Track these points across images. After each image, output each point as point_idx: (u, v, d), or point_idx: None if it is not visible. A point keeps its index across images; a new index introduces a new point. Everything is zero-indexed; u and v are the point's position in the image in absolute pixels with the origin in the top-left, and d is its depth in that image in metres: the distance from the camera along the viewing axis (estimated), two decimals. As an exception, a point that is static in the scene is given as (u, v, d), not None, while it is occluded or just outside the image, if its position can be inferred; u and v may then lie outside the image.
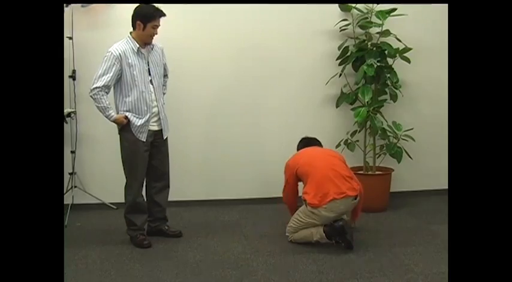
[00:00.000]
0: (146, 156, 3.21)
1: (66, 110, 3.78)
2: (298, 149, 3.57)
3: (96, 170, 4.05)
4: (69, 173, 3.88)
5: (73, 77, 3.78)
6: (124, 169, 3.25)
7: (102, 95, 3.05)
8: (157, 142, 3.26)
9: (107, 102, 3.08)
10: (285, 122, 4.21)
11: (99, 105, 3.07)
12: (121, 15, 3.86)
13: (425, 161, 4.38)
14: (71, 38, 3.73)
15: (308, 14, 4.10)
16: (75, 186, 3.91)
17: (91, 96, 3.07)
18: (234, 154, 4.15)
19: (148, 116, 3.15)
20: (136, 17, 3.08)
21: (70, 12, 3.68)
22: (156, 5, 3.13)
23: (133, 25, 3.10)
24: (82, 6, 3.71)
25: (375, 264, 2.92)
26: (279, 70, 4.15)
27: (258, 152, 4.19)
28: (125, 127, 3.15)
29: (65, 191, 3.80)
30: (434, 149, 4.33)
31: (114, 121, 3.13)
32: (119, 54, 3.05)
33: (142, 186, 3.29)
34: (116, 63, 3.05)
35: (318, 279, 2.75)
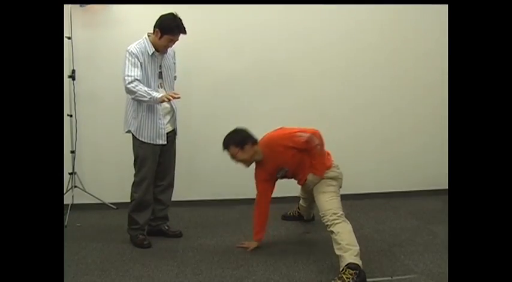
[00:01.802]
0: (158, 156, 3.23)
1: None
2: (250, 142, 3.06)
3: (96, 170, 4.05)
4: (69, 173, 3.87)
5: (72, 76, 3.77)
6: (134, 166, 3.23)
7: (137, 84, 2.98)
8: (168, 141, 3.26)
9: (146, 88, 3.00)
10: (284, 122, 4.20)
11: (139, 92, 2.98)
12: (119, 15, 3.88)
13: (425, 161, 4.38)
14: (70, 38, 3.73)
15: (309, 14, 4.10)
16: (75, 186, 3.91)
17: (128, 88, 2.99)
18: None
19: (161, 118, 3.17)
20: (157, 24, 3.07)
21: (69, 12, 3.68)
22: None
23: (154, 30, 3.09)
24: (81, 6, 3.71)
25: (375, 264, 2.92)
26: (278, 71, 4.15)
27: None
28: (141, 132, 3.15)
29: (65, 191, 3.80)
30: (434, 149, 4.33)
31: (161, 100, 2.99)
32: (136, 52, 3.04)
33: (152, 184, 3.26)
34: (136, 59, 3.03)
35: (318, 279, 2.75)
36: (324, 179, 3.01)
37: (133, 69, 3.01)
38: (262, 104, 4.16)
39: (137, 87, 2.98)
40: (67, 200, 3.76)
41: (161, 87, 3.19)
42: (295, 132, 2.95)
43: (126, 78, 3.00)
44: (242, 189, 4.18)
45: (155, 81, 3.14)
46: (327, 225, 2.80)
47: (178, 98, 3.02)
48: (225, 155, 4.16)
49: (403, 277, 2.77)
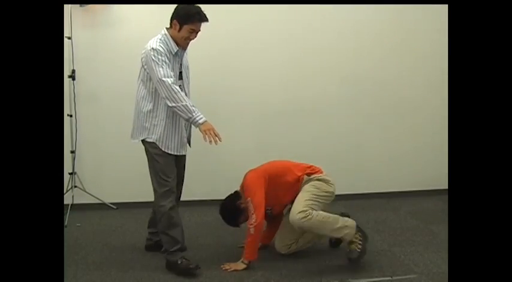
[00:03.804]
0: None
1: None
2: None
3: (96, 170, 4.05)
4: (69, 173, 3.87)
5: (72, 77, 3.77)
6: (154, 177, 2.82)
7: (180, 91, 2.61)
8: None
9: (189, 103, 2.63)
10: (286, 122, 4.21)
11: (181, 104, 2.60)
12: (120, 15, 3.88)
13: (425, 161, 4.38)
14: (70, 38, 3.73)
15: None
16: (75, 186, 3.91)
17: (170, 92, 2.59)
18: (234, 154, 4.14)
19: (182, 126, 2.82)
20: (173, 15, 2.73)
21: (69, 12, 3.68)
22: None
23: (171, 23, 2.75)
24: (81, 6, 3.71)
25: (375, 264, 2.92)
26: (277, 71, 4.15)
27: (258, 152, 4.18)
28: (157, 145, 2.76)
29: (65, 191, 3.80)
30: (434, 149, 4.33)
31: (203, 129, 2.62)
32: (164, 51, 2.66)
33: (175, 191, 2.87)
34: (166, 57, 2.65)
35: (318, 279, 2.75)
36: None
37: (167, 69, 2.62)
38: (262, 105, 4.16)
39: (180, 96, 2.60)
40: (67, 200, 3.76)
41: (181, 91, 2.77)
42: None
43: (164, 79, 2.59)
44: (242, 189, 4.19)
45: (176, 83, 2.74)
46: (298, 227, 2.77)
47: (220, 140, 2.63)
48: (225, 155, 4.16)
49: (403, 277, 2.76)
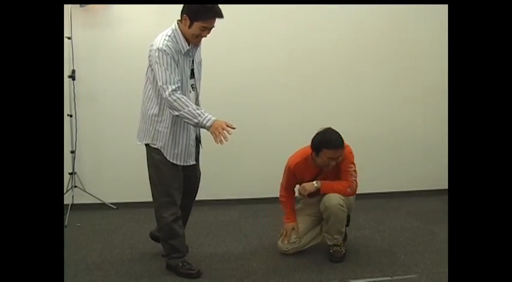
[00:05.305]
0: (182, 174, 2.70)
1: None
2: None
3: (96, 170, 4.05)
4: (69, 173, 3.88)
5: (72, 77, 3.78)
6: (154, 184, 2.67)
7: (180, 98, 2.41)
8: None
9: (193, 107, 2.43)
10: (287, 122, 4.21)
11: (183, 111, 2.41)
12: (120, 15, 3.88)
13: (425, 161, 4.38)
14: (70, 38, 3.73)
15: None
16: (75, 186, 3.91)
17: (169, 102, 2.42)
18: (234, 154, 4.15)
19: (191, 132, 2.66)
20: (184, 9, 2.47)
21: (69, 12, 3.68)
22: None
23: (181, 17, 2.49)
24: (81, 6, 3.72)
25: (375, 264, 2.92)
26: (277, 71, 4.15)
27: (258, 151, 4.19)
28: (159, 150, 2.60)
29: (65, 191, 3.81)
30: (434, 149, 4.33)
31: (213, 130, 2.41)
32: (171, 51, 2.44)
33: (180, 201, 2.72)
34: (172, 60, 2.44)
35: (318, 279, 2.75)
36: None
37: (170, 75, 2.42)
38: (264, 105, 4.16)
39: (180, 103, 2.40)
40: (67, 200, 3.76)
41: (193, 90, 2.64)
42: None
43: (164, 87, 2.41)
44: (242, 189, 4.20)
45: (188, 83, 2.58)
46: (328, 207, 2.92)
47: (234, 128, 2.43)
48: (226, 155, 4.15)
49: (403, 277, 2.77)
